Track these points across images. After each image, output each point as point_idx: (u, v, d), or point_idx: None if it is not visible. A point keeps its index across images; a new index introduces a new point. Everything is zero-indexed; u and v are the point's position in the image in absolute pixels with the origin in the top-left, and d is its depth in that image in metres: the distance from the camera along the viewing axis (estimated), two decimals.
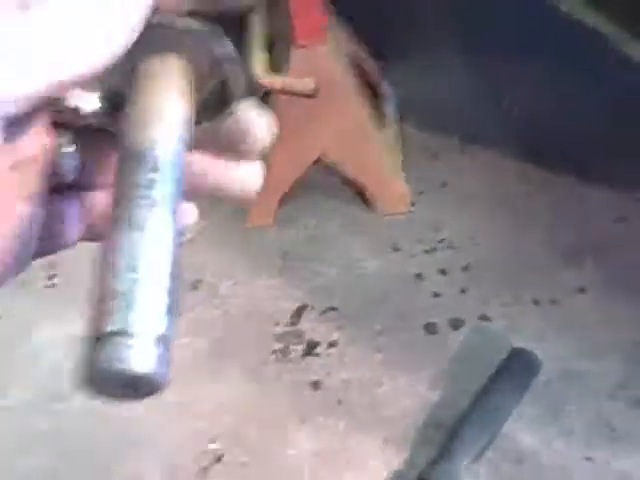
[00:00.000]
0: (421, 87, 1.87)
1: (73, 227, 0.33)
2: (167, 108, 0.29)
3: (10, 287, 0.29)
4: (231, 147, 0.32)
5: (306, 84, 1.46)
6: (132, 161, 0.27)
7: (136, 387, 0.25)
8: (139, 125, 0.28)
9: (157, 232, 0.26)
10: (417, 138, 1.79)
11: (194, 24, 0.30)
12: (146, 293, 0.25)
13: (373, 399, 1.27)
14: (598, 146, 1.56)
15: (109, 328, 0.24)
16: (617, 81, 1.52)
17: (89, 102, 0.30)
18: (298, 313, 1.44)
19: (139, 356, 0.24)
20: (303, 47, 1.52)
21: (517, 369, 1.19)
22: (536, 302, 1.36)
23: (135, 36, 0.27)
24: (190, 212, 0.33)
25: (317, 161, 1.61)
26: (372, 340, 1.36)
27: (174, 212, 0.27)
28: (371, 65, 1.79)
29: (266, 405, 1.29)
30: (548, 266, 1.43)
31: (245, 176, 0.33)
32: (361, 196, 1.65)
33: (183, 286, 1.49)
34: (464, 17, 1.87)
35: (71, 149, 0.31)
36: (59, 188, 0.32)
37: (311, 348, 1.38)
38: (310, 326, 1.41)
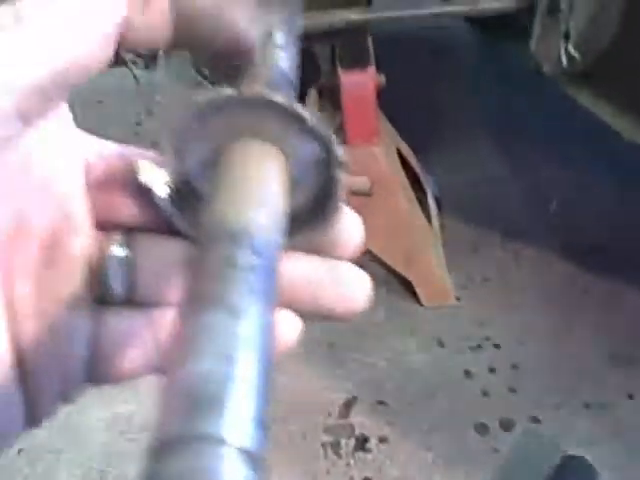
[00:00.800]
0: (460, 181, 1.93)
1: (129, 353, 0.27)
2: (268, 193, 0.25)
3: None
4: (320, 253, 0.28)
5: (363, 183, 1.51)
6: (227, 240, 0.23)
7: None
8: (236, 204, 0.24)
9: (257, 323, 0.22)
10: (457, 231, 1.84)
11: (301, 109, 0.26)
12: (240, 393, 0.20)
13: None
14: None
15: (189, 432, 0.19)
16: None
17: (159, 186, 0.26)
18: (347, 406, 1.46)
19: (224, 469, 0.19)
20: (355, 147, 1.58)
21: (571, 477, 1.20)
22: (587, 406, 1.39)
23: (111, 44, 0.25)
24: (291, 322, 0.29)
25: (364, 252, 1.65)
26: (423, 437, 1.37)
27: (272, 306, 0.23)
28: (414, 158, 1.85)
29: None
30: (596, 368, 1.46)
31: (350, 281, 0.29)
32: (406, 287, 1.69)
33: None
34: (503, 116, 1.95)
35: (122, 254, 0.27)
36: (109, 301, 0.27)
37: (362, 443, 1.39)
38: (360, 420, 1.43)
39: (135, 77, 1.02)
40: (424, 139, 1.91)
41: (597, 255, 1.67)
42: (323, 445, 1.40)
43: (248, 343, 0.21)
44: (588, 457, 1.24)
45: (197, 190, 0.28)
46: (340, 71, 1.55)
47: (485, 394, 1.44)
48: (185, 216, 0.27)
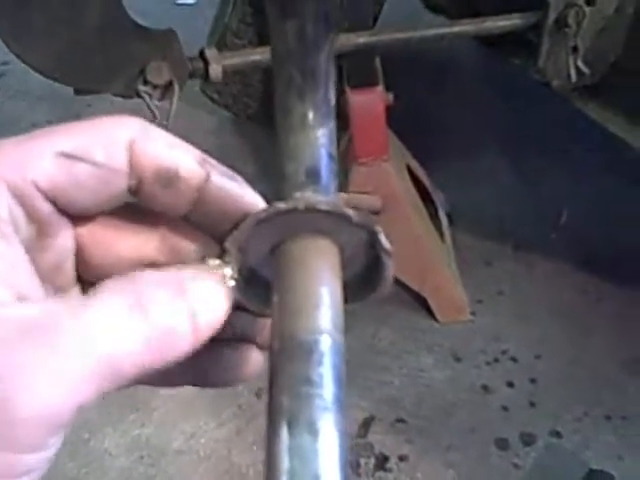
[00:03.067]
0: (471, 195, 1.93)
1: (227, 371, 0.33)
2: (327, 294, 0.28)
3: None
4: None
5: (372, 202, 1.51)
6: (297, 353, 0.26)
7: None
8: (300, 313, 0.27)
9: (333, 437, 0.24)
10: (469, 245, 1.84)
11: (351, 211, 0.29)
12: None
13: None
14: None
15: None
16: None
17: (227, 278, 0.29)
18: (366, 425, 1.46)
19: None
20: (365, 164, 1.58)
21: None
22: (608, 417, 1.38)
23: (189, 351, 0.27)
24: None
25: None
26: (443, 455, 1.37)
27: (344, 414, 0.25)
28: (424, 174, 1.86)
29: None
30: (615, 378, 1.45)
31: None
32: (420, 303, 1.68)
33: (247, 393, 1.51)
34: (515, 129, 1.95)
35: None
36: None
37: (382, 462, 1.38)
38: (379, 438, 1.42)
39: (150, 109, 1.04)
40: (433, 155, 1.92)
41: (610, 264, 1.67)
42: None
43: (329, 459, 0.23)
44: (613, 471, 1.24)
45: (261, 276, 0.31)
46: (348, 90, 1.55)
47: (504, 409, 1.44)
48: (252, 298, 0.30)
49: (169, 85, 1.05)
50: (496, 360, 1.55)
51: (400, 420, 1.45)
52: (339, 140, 1.66)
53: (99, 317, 0.25)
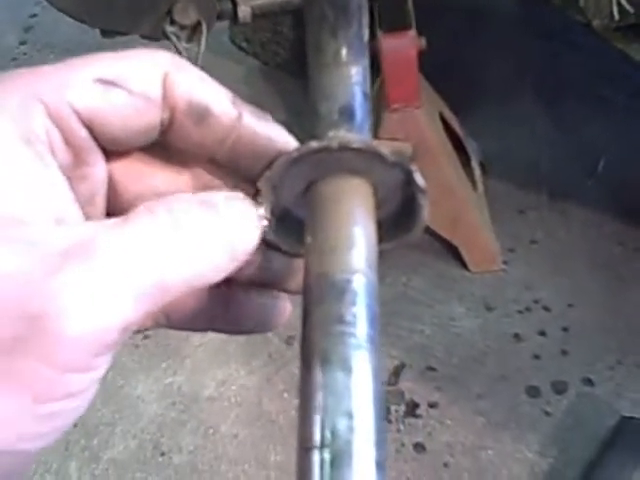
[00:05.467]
0: (505, 142, 1.89)
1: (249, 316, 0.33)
2: (360, 234, 0.27)
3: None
4: None
5: (404, 149, 1.49)
6: (330, 292, 0.26)
7: None
8: (334, 253, 0.27)
9: (366, 374, 0.24)
10: (503, 194, 1.81)
11: (385, 150, 0.29)
12: (361, 444, 0.23)
13: (479, 464, 1.27)
14: None
15: None
16: None
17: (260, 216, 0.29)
18: (396, 372, 1.46)
19: None
20: (396, 110, 1.56)
21: (629, 439, 1.18)
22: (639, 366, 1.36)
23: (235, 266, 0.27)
24: None
25: None
26: (473, 402, 1.37)
27: (378, 349, 0.25)
28: (456, 122, 1.82)
29: None
30: None
31: None
32: (452, 252, 1.67)
33: (278, 340, 1.52)
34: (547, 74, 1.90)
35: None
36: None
37: (412, 409, 1.39)
38: (410, 386, 1.43)
39: (178, 50, 1.02)
40: (467, 102, 1.88)
41: None
42: None
43: (363, 396, 0.24)
44: None
45: (295, 216, 0.31)
46: (380, 34, 1.52)
47: (536, 357, 1.43)
48: (285, 238, 0.30)
49: (197, 26, 1.03)
50: (528, 309, 1.53)
51: (431, 368, 1.45)
52: (371, 85, 1.63)
53: (141, 235, 0.25)
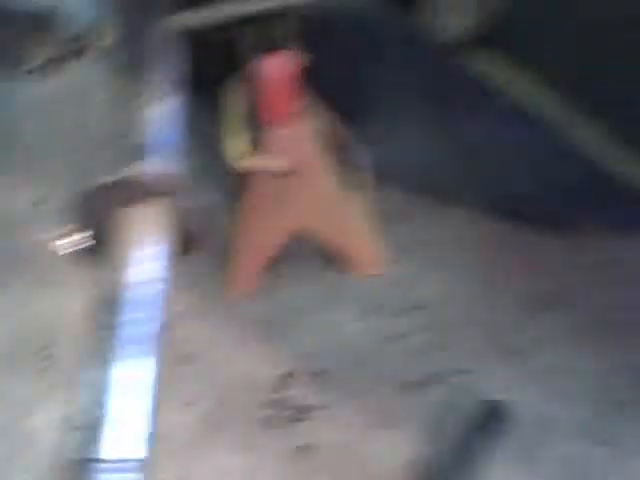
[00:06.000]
0: (394, 148, 1.97)
1: None
2: (152, 249, 0.33)
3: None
4: None
5: (280, 164, 1.56)
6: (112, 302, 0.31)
7: None
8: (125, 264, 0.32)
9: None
10: (389, 198, 1.86)
11: (165, 180, 0.34)
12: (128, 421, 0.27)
13: (364, 460, 1.32)
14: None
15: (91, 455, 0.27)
16: None
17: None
18: (284, 379, 1.50)
19: None
20: (274, 128, 1.61)
21: (486, 419, 1.27)
22: (508, 354, 1.45)
23: None
24: None
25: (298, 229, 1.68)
26: (359, 402, 1.42)
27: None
28: (344, 131, 1.88)
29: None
30: (517, 318, 1.52)
31: None
32: (337, 259, 1.72)
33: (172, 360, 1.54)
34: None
35: None
36: None
37: (299, 413, 1.43)
38: (298, 391, 1.47)
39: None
40: (358, 113, 1.96)
41: (519, 213, 1.73)
42: (262, 419, 1.43)
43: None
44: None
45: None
46: (257, 56, 1.57)
47: (419, 353, 1.49)
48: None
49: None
50: (412, 308, 1.60)
51: (319, 372, 1.50)
52: (250, 103, 1.67)
53: None
